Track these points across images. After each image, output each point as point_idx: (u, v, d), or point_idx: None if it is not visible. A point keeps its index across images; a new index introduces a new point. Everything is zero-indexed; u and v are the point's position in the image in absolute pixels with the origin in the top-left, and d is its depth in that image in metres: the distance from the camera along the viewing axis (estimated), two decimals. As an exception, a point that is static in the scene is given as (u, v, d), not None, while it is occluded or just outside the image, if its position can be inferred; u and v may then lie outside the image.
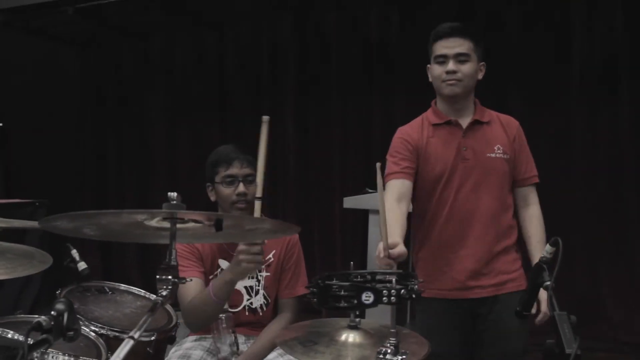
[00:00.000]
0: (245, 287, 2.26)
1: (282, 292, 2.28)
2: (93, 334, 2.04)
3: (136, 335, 1.01)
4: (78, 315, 2.15)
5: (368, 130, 4.44)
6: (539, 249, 2.14)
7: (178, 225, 1.26)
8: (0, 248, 2.19)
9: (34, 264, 2.15)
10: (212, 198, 2.28)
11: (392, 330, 1.37)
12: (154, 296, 2.57)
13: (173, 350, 2.26)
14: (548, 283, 1.50)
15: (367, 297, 1.32)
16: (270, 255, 2.27)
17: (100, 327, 2.14)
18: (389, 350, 1.34)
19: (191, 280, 2.12)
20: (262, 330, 2.21)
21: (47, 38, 4.81)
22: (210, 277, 2.24)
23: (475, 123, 2.22)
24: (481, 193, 2.18)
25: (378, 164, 1.69)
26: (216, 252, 2.25)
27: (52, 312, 1.20)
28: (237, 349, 2.12)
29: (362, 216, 3.72)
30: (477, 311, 2.20)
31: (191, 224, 1.25)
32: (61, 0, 3.96)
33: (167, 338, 2.28)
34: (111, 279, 2.82)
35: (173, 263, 1.16)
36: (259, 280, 2.26)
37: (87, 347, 2.01)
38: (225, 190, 2.21)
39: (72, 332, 1.19)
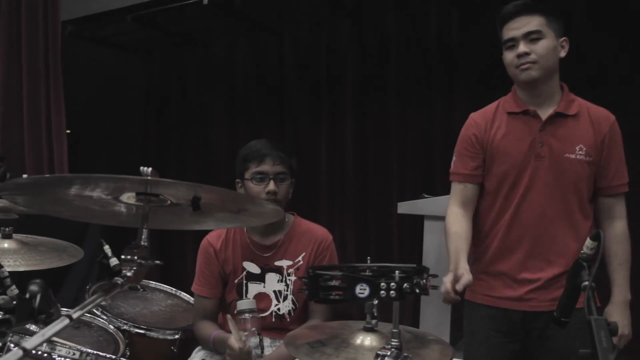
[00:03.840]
0: (274, 292, 2.16)
1: None
2: (112, 327, 2.01)
3: (75, 315, 0.91)
4: (104, 311, 2.14)
5: (428, 134, 4.25)
6: (620, 272, 1.90)
7: (159, 207, 1.18)
8: (35, 242, 2.24)
9: (64, 257, 2.18)
10: None
11: (395, 330, 1.21)
12: (185, 294, 2.55)
13: (197, 349, 2.19)
14: (587, 283, 1.30)
15: (362, 290, 1.17)
16: (300, 258, 2.16)
17: (124, 323, 2.12)
18: (388, 354, 1.18)
19: (205, 298, 2.15)
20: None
21: (112, 47, 4.98)
22: (236, 280, 2.16)
23: (558, 116, 1.93)
24: (554, 198, 1.91)
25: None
26: (241, 255, 2.17)
27: (27, 294, 1.14)
28: (262, 352, 2.02)
29: (419, 221, 3.53)
30: (529, 325, 1.96)
31: (169, 205, 1.16)
32: (120, 9, 4.07)
33: (193, 338, 2.23)
34: (170, 282, 2.74)
35: (143, 244, 1.07)
36: (287, 285, 2.15)
37: (106, 341, 1.99)
38: (255, 188, 2.12)
39: (44, 315, 1.12)
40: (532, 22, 1.91)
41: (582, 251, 1.35)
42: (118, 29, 4.51)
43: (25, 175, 4.26)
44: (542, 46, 1.91)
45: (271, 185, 2.10)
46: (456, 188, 2.10)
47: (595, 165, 1.93)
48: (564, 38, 1.97)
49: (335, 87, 4.60)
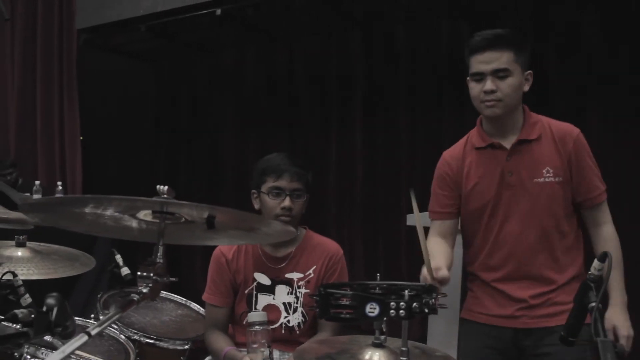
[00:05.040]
0: (284, 304, 2.17)
1: None
2: (123, 337, 2.04)
3: (93, 332, 0.94)
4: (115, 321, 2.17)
5: (437, 145, 4.25)
6: (615, 275, 1.89)
7: (174, 224, 1.20)
8: (49, 250, 2.27)
9: (76, 266, 2.20)
10: (256, 206, 2.21)
11: (404, 349, 1.23)
12: (195, 304, 2.57)
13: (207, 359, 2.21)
14: (594, 304, 1.31)
15: (372, 309, 1.19)
16: (310, 271, 2.17)
17: (134, 333, 2.14)
18: (396, 373, 1.21)
19: (216, 307, 2.17)
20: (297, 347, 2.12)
21: (124, 55, 5.05)
22: (246, 291, 2.18)
23: (521, 143, 1.96)
24: (530, 224, 1.95)
25: (411, 192, 1.70)
26: (252, 265, 2.18)
27: (44, 307, 1.17)
28: (271, 365, 2.03)
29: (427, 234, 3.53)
30: (522, 343, 1.98)
31: (184, 222, 1.18)
32: (133, 19, 4.12)
33: (203, 348, 2.25)
34: (179, 292, 2.75)
35: (159, 261, 1.10)
36: (297, 297, 2.16)
37: (117, 350, 2.02)
38: (271, 202, 2.12)
39: (60, 329, 1.15)
40: (501, 59, 1.89)
41: (589, 272, 1.36)
42: (131, 37, 4.58)
43: (37, 182, 4.32)
44: (508, 84, 1.90)
45: (287, 202, 2.10)
46: (434, 224, 2.11)
47: (567, 184, 1.93)
48: (529, 72, 1.96)
49: (345, 98, 4.63)
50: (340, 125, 4.64)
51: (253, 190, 2.22)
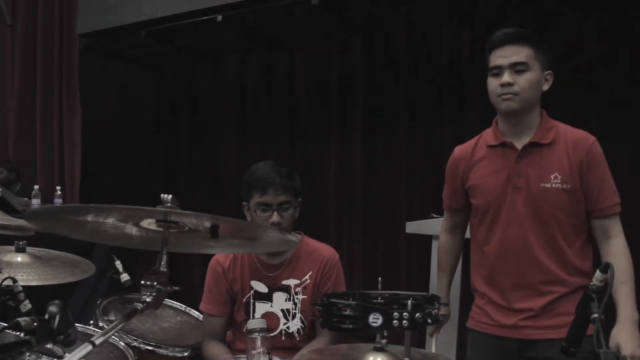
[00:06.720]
0: (282, 311, 2.16)
1: None
2: (123, 344, 2.03)
3: (97, 342, 0.94)
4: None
5: (437, 153, 4.26)
6: (623, 290, 1.83)
7: (176, 232, 1.20)
8: (48, 256, 2.26)
9: (76, 272, 2.20)
10: (248, 218, 2.19)
11: (406, 359, 1.23)
12: (194, 311, 2.57)
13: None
14: (596, 315, 1.31)
15: (375, 319, 1.19)
16: (307, 277, 2.17)
17: (134, 339, 2.14)
18: (401, 381, 1.20)
19: (213, 316, 2.16)
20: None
21: (125, 60, 5.05)
22: (244, 299, 2.17)
23: (533, 145, 1.94)
24: (535, 229, 1.92)
25: None
26: (248, 274, 2.18)
27: (46, 315, 1.17)
28: (272, 371, 2.02)
29: (427, 241, 3.54)
30: (525, 354, 1.96)
31: (187, 230, 1.18)
32: (134, 24, 4.13)
33: (202, 355, 2.24)
34: (176, 298, 2.73)
35: (162, 269, 1.09)
36: (295, 304, 2.16)
37: (117, 357, 2.01)
38: (259, 218, 2.10)
39: (62, 336, 1.15)
40: (520, 53, 1.90)
41: (591, 283, 1.36)
42: (131, 43, 4.58)
43: (36, 187, 4.31)
44: (526, 79, 1.90)
45: (274, 217, 2.08)
46: (445, 215, 2.25)
47: (575, 192, 1.90)
48: (549, 72, 1.97)
49: (345, 105, 4.63)
50: (340, 132, 4.64)
51: (244, 203, 2.21)
